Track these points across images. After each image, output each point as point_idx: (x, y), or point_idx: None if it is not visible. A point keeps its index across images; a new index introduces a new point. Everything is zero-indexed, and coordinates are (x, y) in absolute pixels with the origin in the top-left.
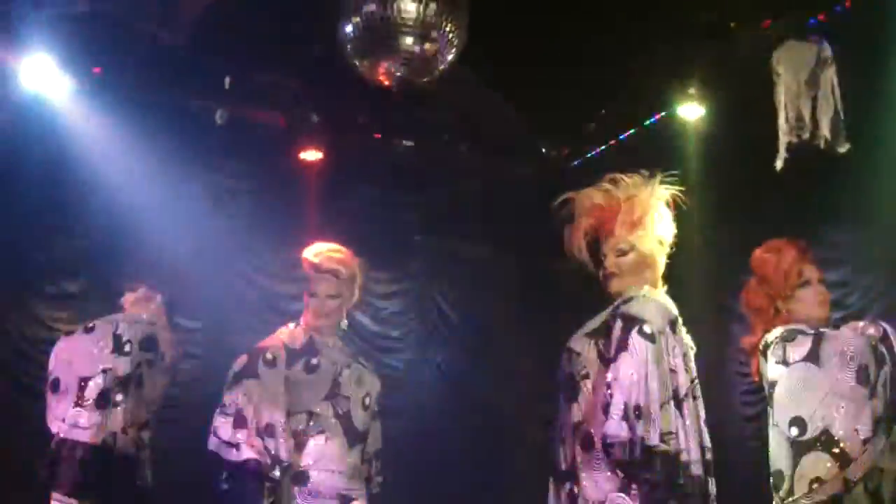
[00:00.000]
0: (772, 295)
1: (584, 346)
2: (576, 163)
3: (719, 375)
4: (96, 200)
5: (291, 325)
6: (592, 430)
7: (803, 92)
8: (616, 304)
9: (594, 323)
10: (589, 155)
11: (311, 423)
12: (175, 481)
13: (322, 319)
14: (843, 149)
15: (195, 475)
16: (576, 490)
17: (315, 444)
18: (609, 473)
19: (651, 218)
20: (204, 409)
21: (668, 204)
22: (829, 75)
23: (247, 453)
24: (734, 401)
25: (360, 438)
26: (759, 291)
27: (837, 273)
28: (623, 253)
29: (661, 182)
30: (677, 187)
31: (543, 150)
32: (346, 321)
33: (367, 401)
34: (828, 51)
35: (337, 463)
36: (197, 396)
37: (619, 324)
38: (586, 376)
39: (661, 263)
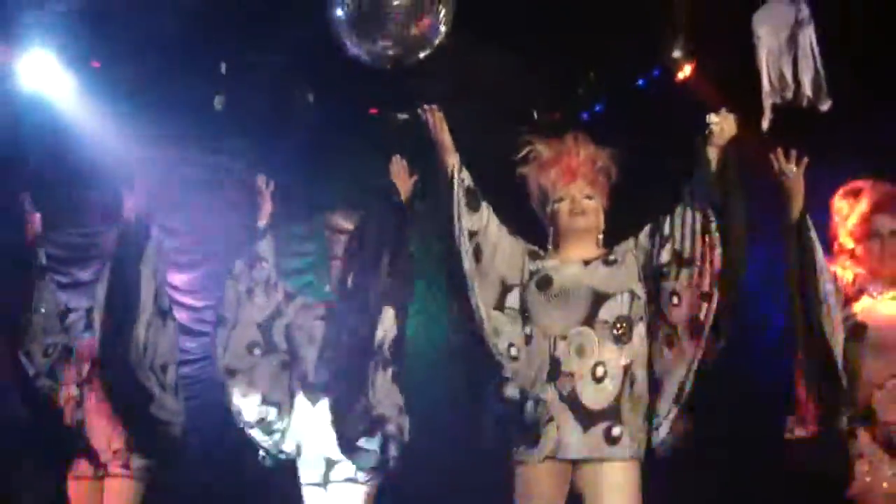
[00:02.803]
0: (845, 241)
1: None
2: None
3: None
4: (100, 193)
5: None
6: None
7: (784, 52)
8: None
9: None
10: (581, 118)
11: None
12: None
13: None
14: (825, 106)
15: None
16: None
17: None
18: None
19: (602, 182)
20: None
21: (610, 182)
22: (808, 34)
23: None
24: None
25: None
26: (838, 235)
27: None
28: (590, 197)
29: (612, 158)
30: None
31: (535, 115)
32: None
33: None
34: (805, 10)
35: None
36: (209, 373)
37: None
38: None
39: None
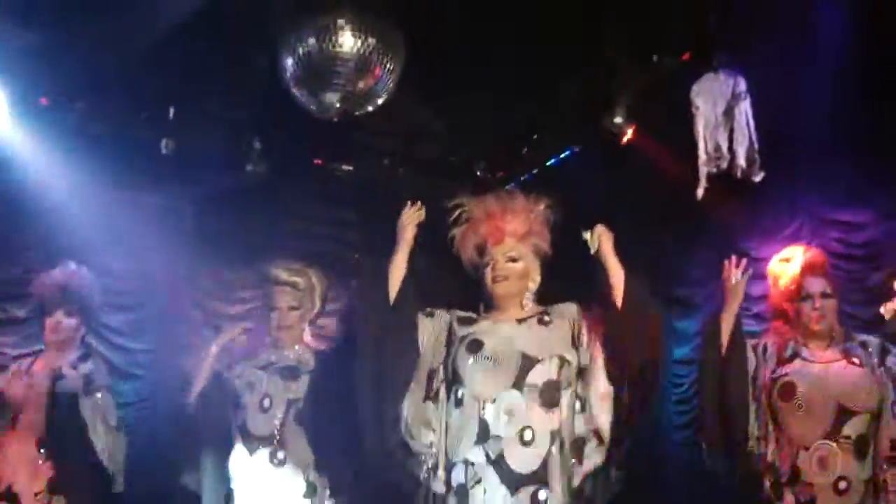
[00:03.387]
0: (779, 303)
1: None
2: (510, 186)
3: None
4: (41, 230)
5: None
6: None
7: (720, 124)
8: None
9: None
10: (522, 178)
11: None
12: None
13: (284, 331)
14: (758, 177)
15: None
16: None
17: None
18: None
19: (536, 235)
20: (150, 427)
21: (548, 228)
22: (744, 108)
23: None
24: (667, 410)
25: None
26: (773, 298)
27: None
28: (514, 260)
29: (547, 206)
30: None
31: (479, 174)
32: (308, 332)
33: None
34: (742, 84)
35: None
36: (144, 416)
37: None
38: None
39: (538, 280)
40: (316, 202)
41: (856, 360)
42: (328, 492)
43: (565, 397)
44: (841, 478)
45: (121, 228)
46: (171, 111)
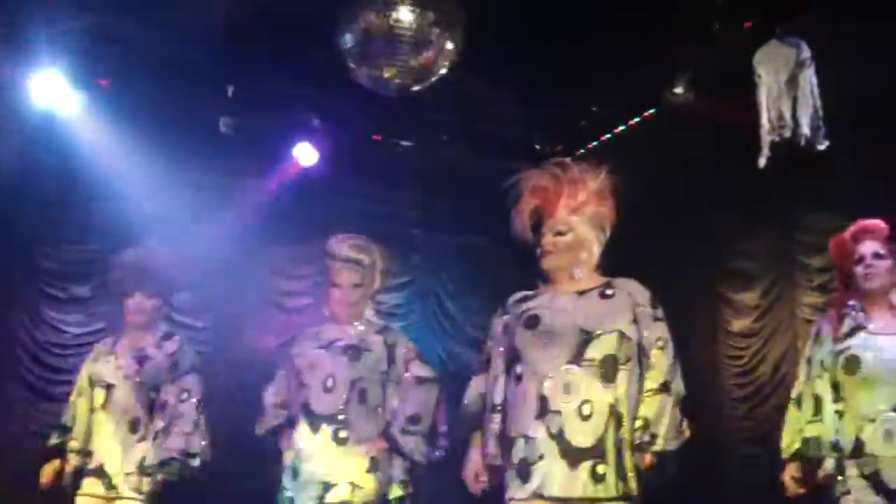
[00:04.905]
0: (841, 274)
1: None
2: (569, 159)
3: (710, 359)
4: (103, 210)
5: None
6: None
7: (783, 92)
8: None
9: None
10: (581, 151)
11: None
12: None
13: (347, 308)
14: (822, 146)
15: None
16: None
17: None
18: None
19: (592, 205)
20: (214, 402)
21: (610, 194)
22: (808, 75)
23: None
24: (725, 384)
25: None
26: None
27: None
28: (561, 233)
29: (607, 173)
30: (618, 179)
31: (538, 147)
32: (370, 309)
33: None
34: (806, 52)
35: None
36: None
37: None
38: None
39: (597, 250)
40: (375, 179)
41: None
42: (395, 469)
43: (624, 371)
44: None
45: (180, 208)
46: (230, 90)
